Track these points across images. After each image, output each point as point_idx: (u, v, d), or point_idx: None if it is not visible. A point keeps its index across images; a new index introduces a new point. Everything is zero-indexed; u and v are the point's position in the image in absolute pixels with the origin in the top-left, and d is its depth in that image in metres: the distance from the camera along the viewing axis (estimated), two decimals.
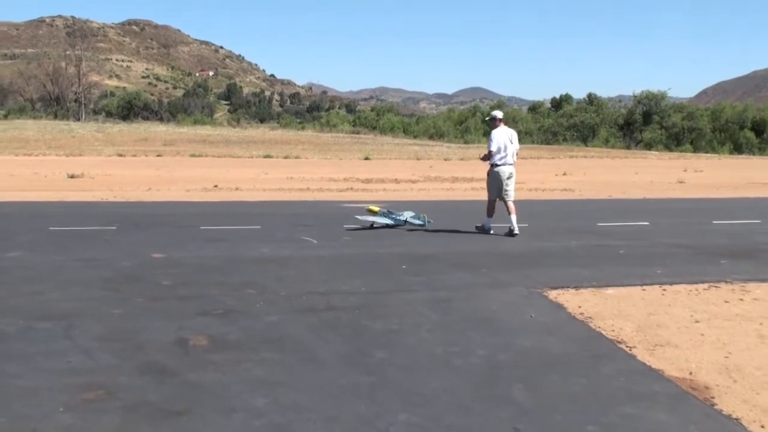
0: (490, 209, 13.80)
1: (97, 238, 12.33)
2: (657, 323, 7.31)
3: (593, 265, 10.47)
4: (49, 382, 5.39)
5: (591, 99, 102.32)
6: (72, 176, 25.22)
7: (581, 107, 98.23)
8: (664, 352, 6.39)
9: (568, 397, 5.31)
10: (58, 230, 13.03)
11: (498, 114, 13.88)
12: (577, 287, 8.86)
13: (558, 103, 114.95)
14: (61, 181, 24.11)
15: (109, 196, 19.42)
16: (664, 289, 8.89)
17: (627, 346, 6.54)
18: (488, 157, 13.51)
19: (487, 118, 14.52)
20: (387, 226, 14.19)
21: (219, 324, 6.98)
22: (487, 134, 14.44)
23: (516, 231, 13.34)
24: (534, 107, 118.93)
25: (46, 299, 7.83)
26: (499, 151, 13.41)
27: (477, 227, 14.04)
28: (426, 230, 13.92)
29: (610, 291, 8.72)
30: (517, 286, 8.92)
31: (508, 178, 13.56)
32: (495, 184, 13.59)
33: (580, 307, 7.90)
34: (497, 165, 13.48)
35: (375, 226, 14.15)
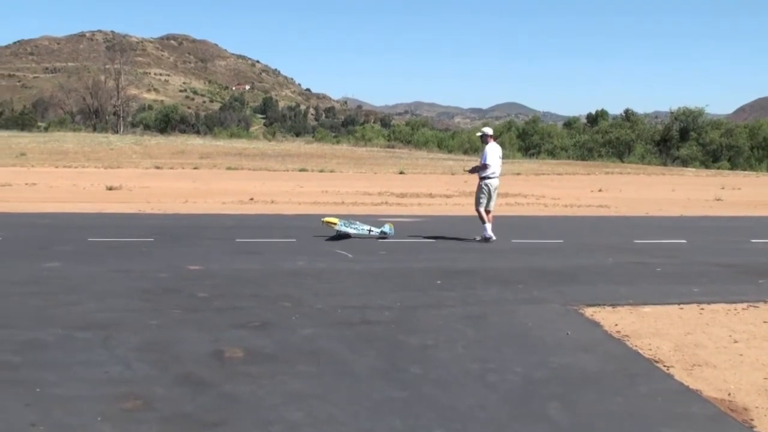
0: (483, 217, 14.59)
1: (135, 249, 12.45)
2: (695, 343, 7.22)
3: (630, 282, 10.37)
4: (88, 391, 5.44)
5: (627, 115, 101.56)
6: (110, 188, 25.46)
7: (617, 123, 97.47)
8: (702, 373, 6.31)
9: (605, 416, 5.26)
10: (96, 241, 13.17)
11: (489, 131, 15.16)
12: (613, 305, 8.78)
13: (594, 119, 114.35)
14: (99, 192, 24.35)
15: (146, 208, 19.59)
16: (702, 308, 8.78)
17: (664, 366, 6.46)
18: (480, 170, 14.68)
19: (478, 134, 15.68)
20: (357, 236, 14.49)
21: (255, 336, 7.01)
22: (480, 150, 15.43)
23: (494, 237, 14.40)
24: (569, 123, 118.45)
25: (85, 309, 7.92)
26: (492, 165, 14.56)
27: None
28: (460, 245, 13.91)
29: (647, 309, 8.63)
30: (552, 302, 8.87)
31: (495, 190, 14.83)
32: (486, 195, 14.59)
33: (616, 325, 7.82)
34: (489, 178, 14.64)
35: (352, 235, 14.45)
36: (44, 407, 5.12)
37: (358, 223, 14.80)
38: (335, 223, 14.44)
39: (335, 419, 5.05)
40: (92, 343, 6.61)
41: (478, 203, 14.65)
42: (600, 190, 31.67)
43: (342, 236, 14.31)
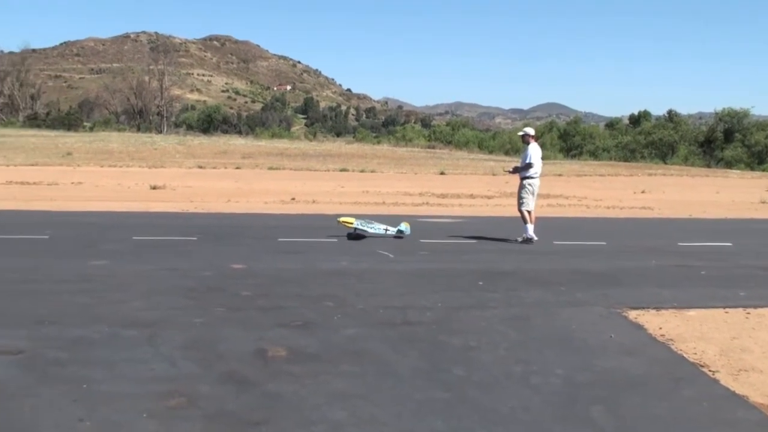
0: (526, 217, 14.50)
1: (179, 248, 12.59)
2: (741, 347, 7.12)
3: (674, 285, 10.26)
4: (133, 388, 5.52)
5: (671, 116, 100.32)
6: (154, 187, 25.74)
7: (660, 124, 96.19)
8: (749, 378, 6.22)
9: (650, 420, 5.21)
10: (141, 240, 13.34)
11: (531, 131, 15.15)
12: (657, 308, 8.69)
13: (636, 120, 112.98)
14: (143, 192, 24.64)
15: (189, 207, 19.79)
16: (748, 313, 8.65)
17: (710, 370, 6.38)
18: (523, 169, 14.57)
19: (520, 134, 15.47)
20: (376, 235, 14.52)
21: (298, 336, 7.05)
22: (521, 150, 15.35)
23: (536, 238, 14.41)
24: (611, 123, 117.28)
25: (130, 307, 8.03)
26: (536, 164, 14.57)
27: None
28: (502, 246, 13.87)
29: (692, 313, 8.52)
30: (595, 305, 8.80)
31: (536, 190, 14.84)
32: (530, 194, 14.56)
33: (660, 328, 7.74)
34: (532, 177, 14.59)
35: (370, 233, 14.48)
36: (91, 403, 5.20)
37: (374, 222, 14.83)
38: (351, 223, 14.48)
39: (378, 419, 5.06)
40: (138, 341, 6.70)
41: (521, 203, 14.56)
42: (643, 192, 31.34)
43: (358, 236, 14.34)
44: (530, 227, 14.42)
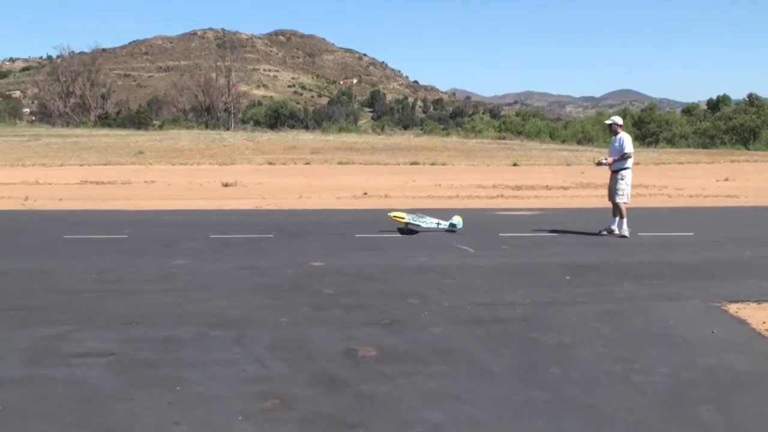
0: (624, 211, 14.18)
1: (256, 245, 12.67)
2: None
3: None
4: (226, 390, 5.53)
5: (751, 100, 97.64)
6: (226, 185, 26.02)
7: (741, 109, 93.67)
8: None
9: (765, 420, 5.01)
10: (218, 238, 13.47)
11: (619, 120, 14.72)
12: (758, 301, 8.41)
13: (715, 105, 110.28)
14: (215, 189, 24.93)
15: (262, 204, 19.94)
16: None
17: None
18: (621, 160, 14.09)
19: (607, 122, 15.03)
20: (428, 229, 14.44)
21: (386, 334, 7.00)
22: (608, 140, 14.90)
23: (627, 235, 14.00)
24: (688, 109, 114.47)
25: (215, 306, 8.09)
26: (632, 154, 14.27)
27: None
28: (585, 239, 13.61)
29: None
30: (691, 299, 8.56)
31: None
32: (629, 186, 14.27)
33: (765, 322, 7.47)
34: (628, 168, 14.24)
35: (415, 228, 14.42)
36: (186, 406, 5.23)
37: (426, 217, 14.72)
38: (403, 218, 14.41)
39: (477, 421, 4.97)
40: (226, 341, 6.73)
41: (620, 195, 14.09)
42: (726, 180, 30.51)
43: (410, 231, 14.28)
44: (625, 222, 14.02)
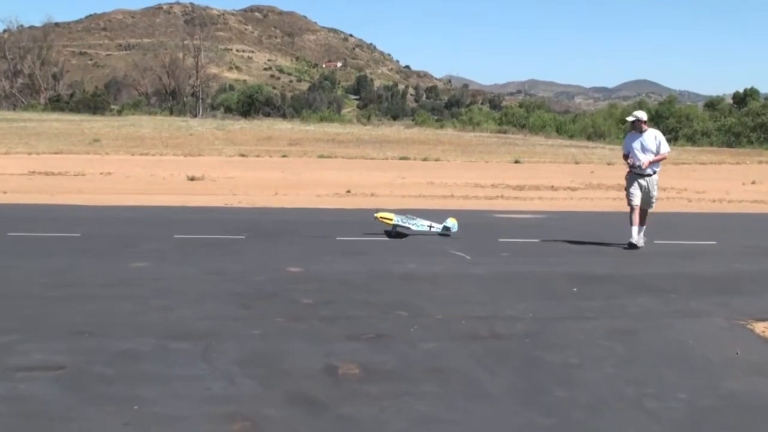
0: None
1: (226, 247, 12.66)
2: None
3: None
4: (190, 409, 5.51)
5: None
6: (192, 178, 25.98)
7: None
8: None
9: None
10: (183, 238, 13.45)
11: (644, 115, 14.23)
12: None
13: (741, 99, 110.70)
14: (181, 183, 24.89)
15: (233, 201, 19.93)
16: None
17: None
18: (659, 161, 13.83)
19: (630, 119, 14.19)
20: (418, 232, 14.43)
21: (370, 350, 7.01)
22: (632, 138, 14.03)
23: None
24: (712, 104, 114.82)
25: (180, 316, 8.08)
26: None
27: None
28: (595, 247, 13.65)
29: None
30: (714, 316, 8.61)
31: None
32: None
33: None
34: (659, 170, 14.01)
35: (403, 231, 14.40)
36: (144, 426, 5.21)
37: (417, 218, 14.71)
38: (391, 220, 14.36)
39: None
40: (191, 355, 6.72)
41: (654, 202, 14.03)
42: (753, 183, 30.67)
43: (398, 234, 14.30)
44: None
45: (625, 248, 13.53)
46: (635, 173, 13.77)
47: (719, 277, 11.06)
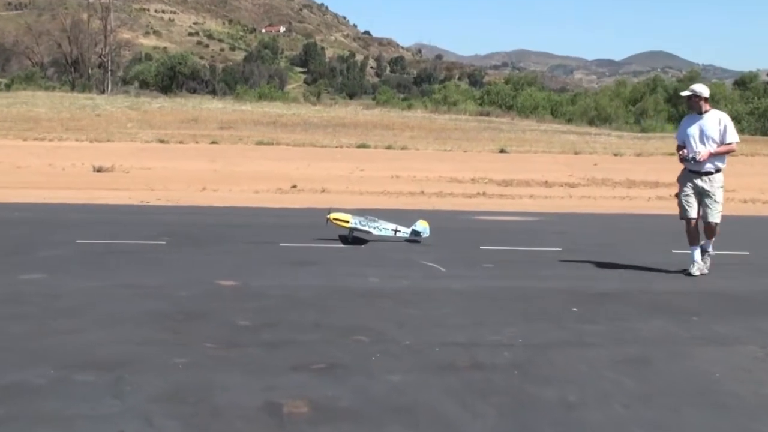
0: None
1: (142, 256, 12.63)
2: None
3: None
4: None
5: None
6: (99, 170, 25.87)
7: None
8: None
9: None
10: (87, 244, 13.39)
11: (706, 91, 12.64)
12: None
13: None
14: (85, 175, 24.79)
15: (150, 198, 19.88)
16: None
17: None
18: (727, 153, 12.54)
19: (685, 94, 12.91)
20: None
21: (322, 384, 6.99)
22: (689, 122, 12.65)
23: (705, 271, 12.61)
24: (742, 81, 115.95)
25: (84, 341, 8.00)
26: None
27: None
28: (599, 258, 13.72)
29: None
30: (746, 343, 8.67)
31: None
32: None
33: None
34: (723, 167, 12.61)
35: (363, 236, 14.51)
36: None
37: (379, 220, 14.76)
38: (347, 222, 14.39)
39: None
40: (98, 389, 6.66)
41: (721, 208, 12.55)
42: None
43: (356, 240, 14.41)
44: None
45: (685, 274, 12.51)
46: (690, 170, 12.56)
47: (751, 295, 11.18)
